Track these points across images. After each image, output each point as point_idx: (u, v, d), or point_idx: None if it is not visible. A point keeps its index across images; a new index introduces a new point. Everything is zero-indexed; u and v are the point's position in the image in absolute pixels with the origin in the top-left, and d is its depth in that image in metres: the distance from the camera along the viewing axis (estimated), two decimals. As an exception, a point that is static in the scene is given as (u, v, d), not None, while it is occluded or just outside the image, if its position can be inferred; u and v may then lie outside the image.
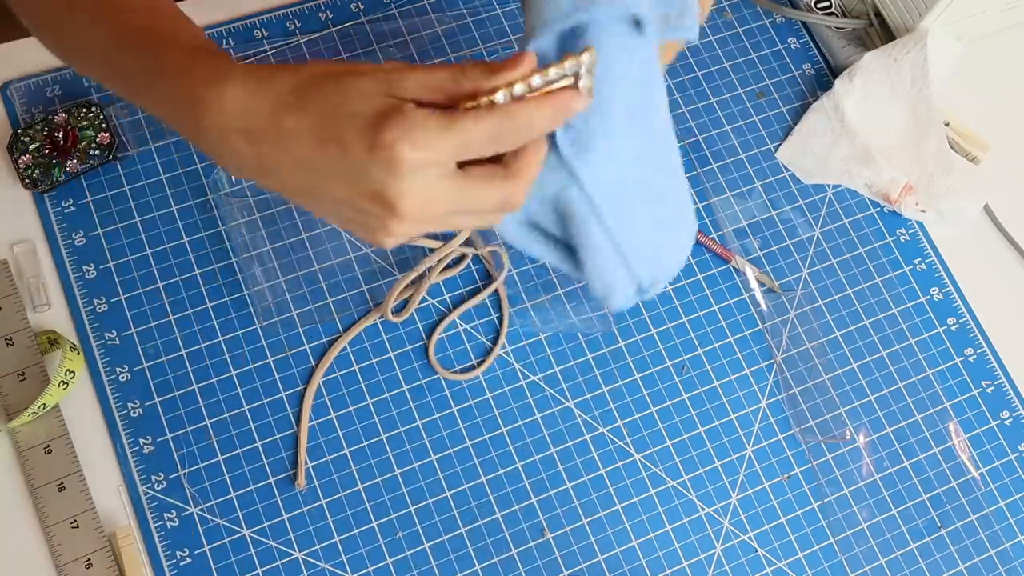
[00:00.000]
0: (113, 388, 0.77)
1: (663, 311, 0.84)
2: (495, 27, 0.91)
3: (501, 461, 0.78)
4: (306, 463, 0.76)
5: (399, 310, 0.81)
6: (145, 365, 0.78)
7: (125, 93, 0.61)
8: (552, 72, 0.50)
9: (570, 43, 0.54)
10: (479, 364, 0.80)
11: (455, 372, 0.80)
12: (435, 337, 0.81)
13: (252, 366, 0.78)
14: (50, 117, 0.81)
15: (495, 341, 0.81)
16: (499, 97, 0.49)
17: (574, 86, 0.50)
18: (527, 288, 0.83)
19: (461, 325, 0.82)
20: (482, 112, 0.49)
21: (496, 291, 0.82)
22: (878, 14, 0.94)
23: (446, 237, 0.80)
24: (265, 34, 0.89)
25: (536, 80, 0.50)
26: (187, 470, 0.75)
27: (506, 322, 0.82)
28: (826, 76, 0.94)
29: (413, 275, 0.79)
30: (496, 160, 0.51)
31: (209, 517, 0.74)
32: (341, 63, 0.52)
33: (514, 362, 0.81)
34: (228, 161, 0.53)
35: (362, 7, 0.91)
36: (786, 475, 0.81)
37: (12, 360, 0.76)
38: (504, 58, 0.50)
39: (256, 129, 0.51)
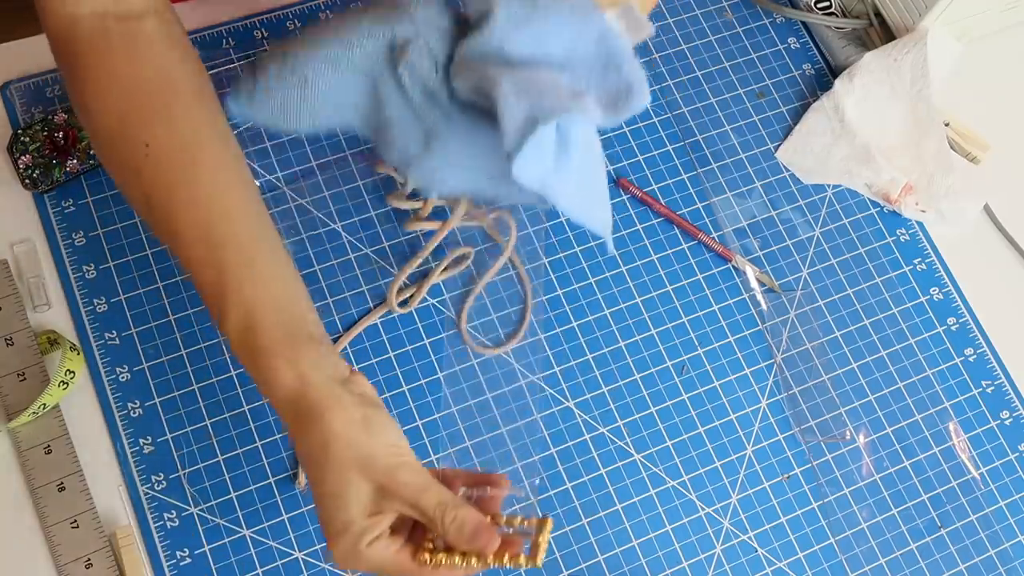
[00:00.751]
0: (113, 388, 0.77)
1: (663, 311, 0.84)
2: (495, 27, 0.91)
3: (501, 461, 0.78)
4: (306, 463, 0.76)
5: (402, 305, 0.81)
6: (145, 365, 0.78)
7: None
8: (512, 531, 0.59)
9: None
10: (510, 337, 0.80)
11: (484, 346, 0.80)
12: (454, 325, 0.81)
13: (252, 366, 0.78)
14: (50, 117, 0.81)
15: (497, 342, 0.81)
16: (456, 561, 0.58)
17: (530, 555, 0.58)
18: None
19: (466, 324, 0.82)
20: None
21: (510, 260, 0.83)
22: (878, 14, 0.94)
23: (444, 219, 0.79)
24: (265, 34, 0.89)
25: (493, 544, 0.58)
26: (187, 470, 0.75)
27: (529, 287, 0.82)
28: (826, 76, 0.94)
29: (416, 261, 0.80)
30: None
31: (209, 517, 0.74)
32: (372, 425, 0.59)
33: (514, 362, 0.81)
34: None
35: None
36: (786, 475, 0.81)
37: (12, 360, 0.76)
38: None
39: (298, 442, 0.60)
